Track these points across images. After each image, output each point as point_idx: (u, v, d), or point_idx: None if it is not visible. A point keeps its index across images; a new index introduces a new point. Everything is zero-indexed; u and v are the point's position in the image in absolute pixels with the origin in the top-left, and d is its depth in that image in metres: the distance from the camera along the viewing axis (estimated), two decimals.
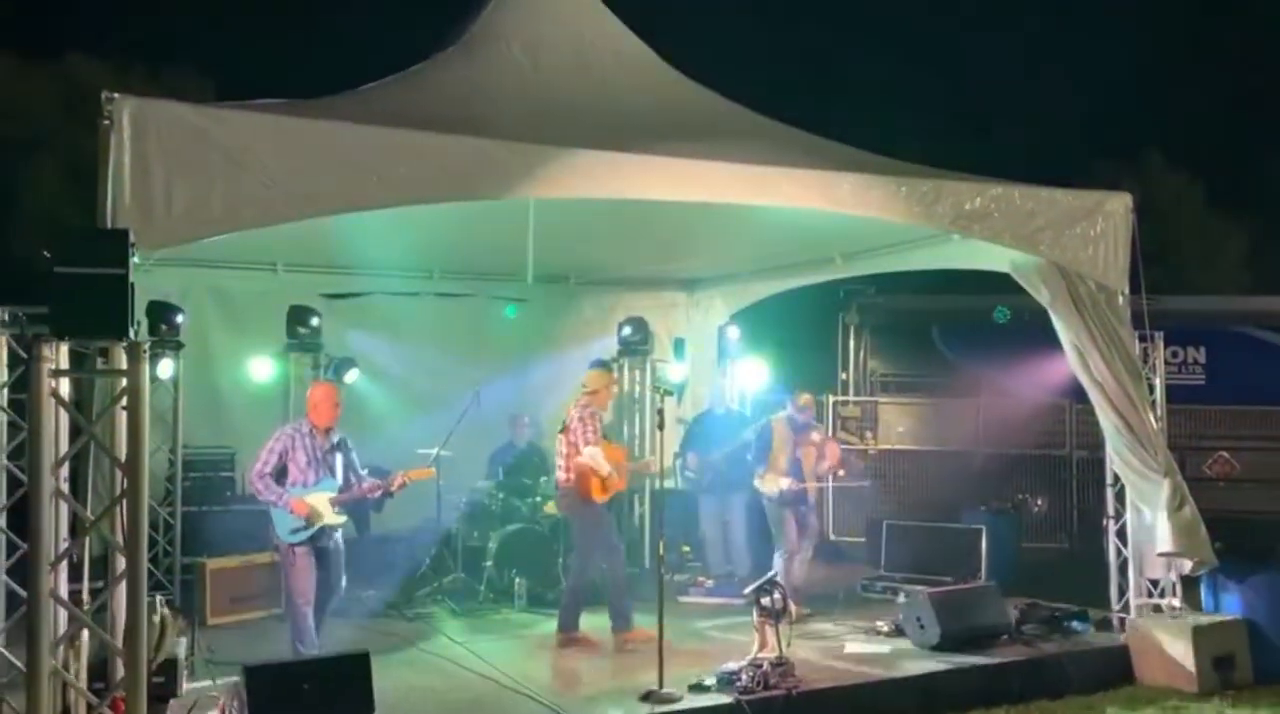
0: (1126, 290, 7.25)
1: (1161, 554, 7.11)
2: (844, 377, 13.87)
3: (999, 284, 7.85)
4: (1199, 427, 12.03)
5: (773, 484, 8.10)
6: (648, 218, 7.59)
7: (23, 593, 4.50)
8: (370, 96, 6.48)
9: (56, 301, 4.23)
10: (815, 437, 8.35)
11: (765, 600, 6.37)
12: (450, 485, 8.72)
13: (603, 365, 7.83)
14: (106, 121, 4.78)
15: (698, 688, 5.98)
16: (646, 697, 5.84)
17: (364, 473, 6.80)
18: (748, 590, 6.59)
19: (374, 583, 8.38)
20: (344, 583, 6.70)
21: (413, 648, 7.17)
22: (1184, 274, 21.26)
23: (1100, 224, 7.17)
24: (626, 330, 10.26)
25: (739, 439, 9.03)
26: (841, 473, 8.65)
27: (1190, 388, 12.77)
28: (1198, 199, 25.85)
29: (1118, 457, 7.31)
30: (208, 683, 6.01)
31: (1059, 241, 7.06)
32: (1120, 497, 7.47)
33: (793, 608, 6.52)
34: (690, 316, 11.41)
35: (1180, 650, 6.81)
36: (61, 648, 4.66)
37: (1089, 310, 7.10)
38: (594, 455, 7.20)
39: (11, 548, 5.21)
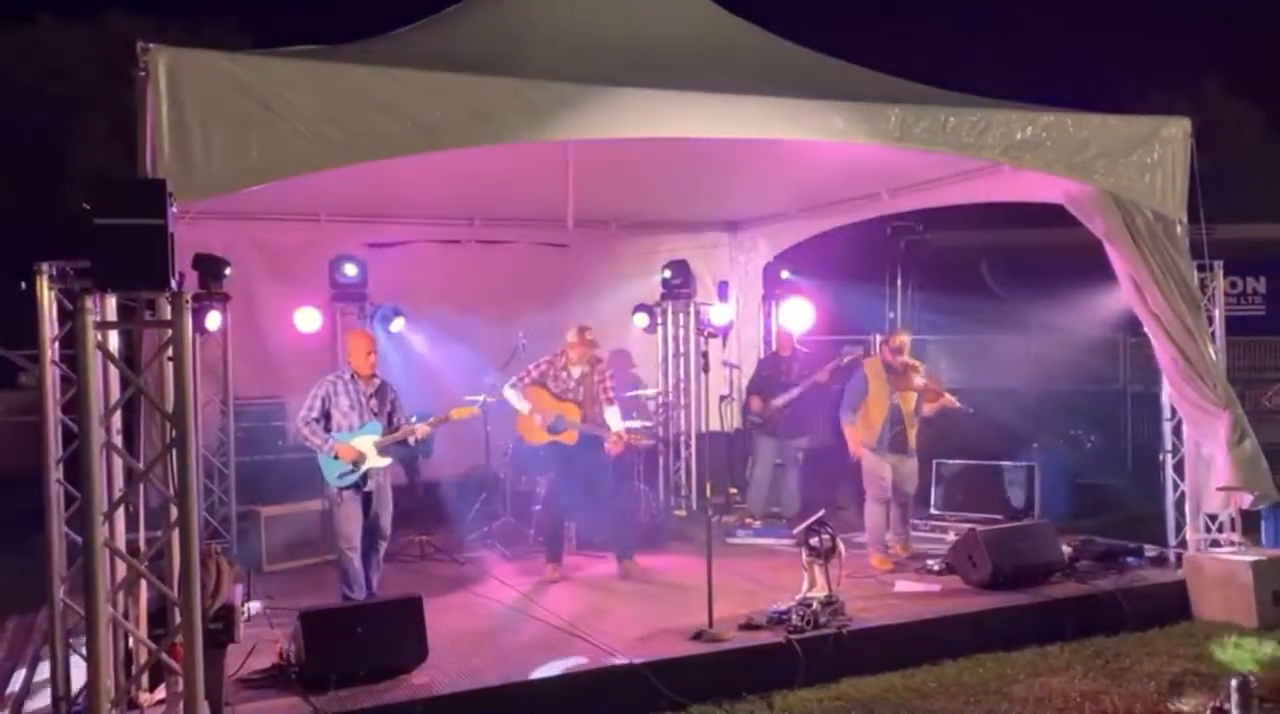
0: (1185, 219, 7.02)
1: (1220, 488, 6.98)
2: (892, 315, 13.68)
3: (1050, 217, 7.64)
4: (1259, 358, 11.77)
5: (862, 438, 7.76)
6: (688, 158, 7.46)
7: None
8: (404, 40, 6.39)
9: (97, 253, 4.23)
10: (918, 381, 7.85)
11: (814, 540, 6.35)
12: (497, 431, 8.78)
13: (582, 330, 7.62)
14: (143, 73, 4.73)
15: (748, 627, 6.00)
16: (697, 636, 5.86)
17: (411, 418, 6.86)
18: (796, 530, 6.55)
19: (424, 528, 8.51)
20: (389, 527, 6.81)
21: (464, 592, 7.25)
22: (1243, 203, 20.65)
23: (1158, 151, 6.92)
24: (668, 273, 10.20)
25: (808, 382, 8.90)
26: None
27: (1250, 318, 12.46)
28: (1258, 126, 24.99)
29: (1175, 390, 7.14)
30: (265, 629, 6.14)
31: (1114, 170, 6.83)
32: (1177, 431, 7.32)
33: (841, 547, 6.45)
34: (733, 258, 11.29)
35: (1239, 585, 6.70)
36: (121, 595, 4.75)
37: (1146, 241, 6.88)
38: (506, 394, 7.65)
39: (70, 500, 5.31)
